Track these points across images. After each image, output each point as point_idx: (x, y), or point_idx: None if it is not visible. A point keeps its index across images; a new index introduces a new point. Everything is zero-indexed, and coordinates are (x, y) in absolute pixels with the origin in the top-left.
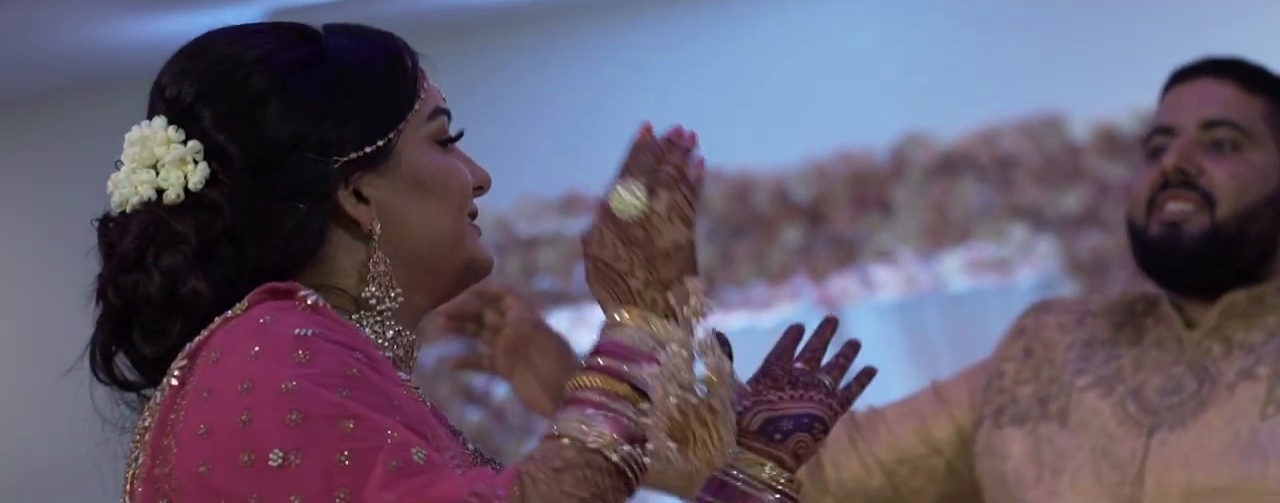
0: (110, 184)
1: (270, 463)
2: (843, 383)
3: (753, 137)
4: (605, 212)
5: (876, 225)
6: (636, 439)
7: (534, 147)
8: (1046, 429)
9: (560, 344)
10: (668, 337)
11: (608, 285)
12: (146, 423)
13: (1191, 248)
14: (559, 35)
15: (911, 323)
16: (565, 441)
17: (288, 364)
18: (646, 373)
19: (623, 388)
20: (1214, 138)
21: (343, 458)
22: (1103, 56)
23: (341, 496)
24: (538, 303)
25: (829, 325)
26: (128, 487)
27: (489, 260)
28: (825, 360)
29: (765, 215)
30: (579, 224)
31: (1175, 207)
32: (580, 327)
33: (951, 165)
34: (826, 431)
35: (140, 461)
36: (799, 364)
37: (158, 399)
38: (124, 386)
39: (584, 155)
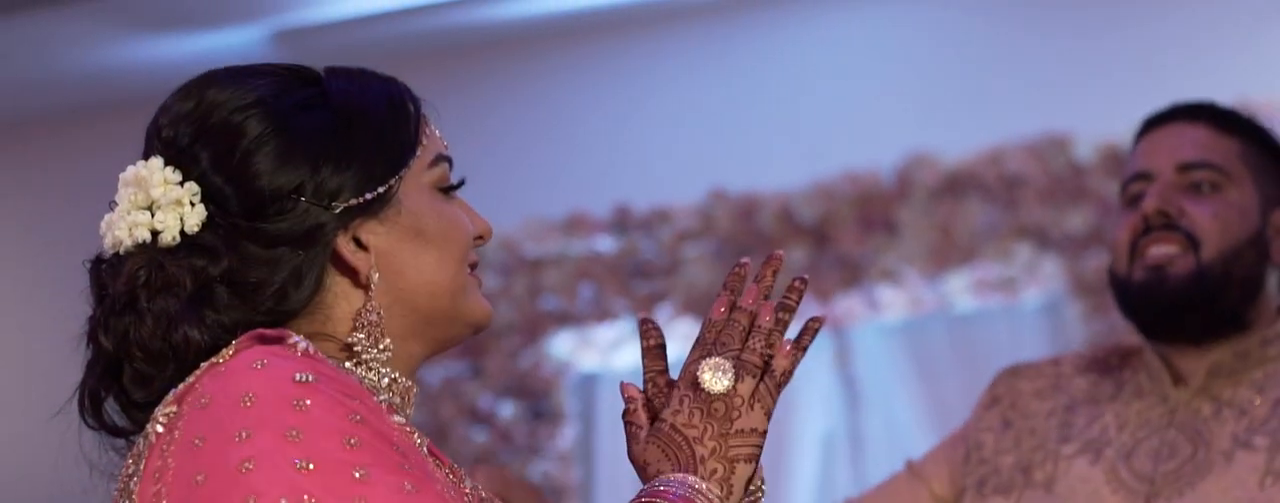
0: (103, 225)
1: None
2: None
3: (758, 157)
4: (691, 383)
5: (882, 246)
6: None
7: (539, 168)
8: (1032, 497)
9: (531, 493)
10: None
11: (670, 450)
12: (130, 470)
13: (1177, 290)
14: (564, 57)
15: (917, 344)
16: None
17: (288, 411)
18: None
19: None
20: (1192, 180)
21: None
22: (1107, 77)
23: None
24: (542, 324)
25: (770, 265)
26: None
27: (487, 313)
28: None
29: (770, 236)
30: (583, 245)
31: (1159, 250)
32: (583, 348)
33: (957, 186)
34: None
35: None
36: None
37: (142, 446)
38: (112, 431)
39: (589, 177)
